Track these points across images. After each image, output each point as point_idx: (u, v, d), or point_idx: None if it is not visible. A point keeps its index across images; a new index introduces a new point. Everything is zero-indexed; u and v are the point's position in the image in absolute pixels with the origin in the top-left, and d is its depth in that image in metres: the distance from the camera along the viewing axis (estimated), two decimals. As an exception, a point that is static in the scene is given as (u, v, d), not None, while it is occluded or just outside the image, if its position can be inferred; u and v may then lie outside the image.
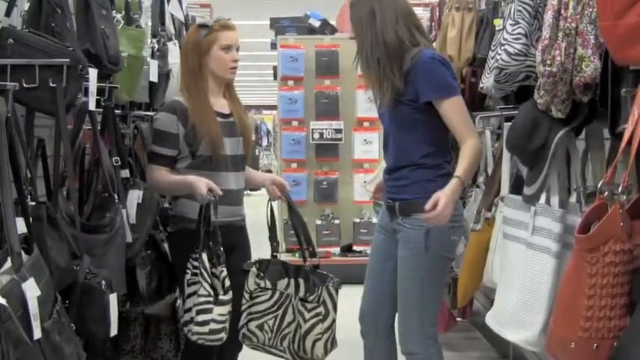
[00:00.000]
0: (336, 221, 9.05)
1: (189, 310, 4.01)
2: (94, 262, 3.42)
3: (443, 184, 3.81)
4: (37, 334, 2.55)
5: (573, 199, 3.55)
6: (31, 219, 2.97)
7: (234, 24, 4.32)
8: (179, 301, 4.59)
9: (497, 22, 4.13)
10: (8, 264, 2.58)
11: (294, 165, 9.13)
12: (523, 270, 3.60)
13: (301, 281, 4.21)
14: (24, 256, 2.66)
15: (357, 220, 9.04)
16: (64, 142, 3.46)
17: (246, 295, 4.24)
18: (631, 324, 2.62)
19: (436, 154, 3.90)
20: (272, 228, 4.46)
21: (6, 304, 2.37)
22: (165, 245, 4.38)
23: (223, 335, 3.98)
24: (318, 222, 9.00)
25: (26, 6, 3.57)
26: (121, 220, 3.83)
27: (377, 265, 4.14)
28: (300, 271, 4.25)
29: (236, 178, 4.30)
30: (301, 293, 4.18)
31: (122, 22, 4.33)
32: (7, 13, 3.63)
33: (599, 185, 2.73)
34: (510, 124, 3.83)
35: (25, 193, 2.99)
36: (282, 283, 4.23)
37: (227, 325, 3.98)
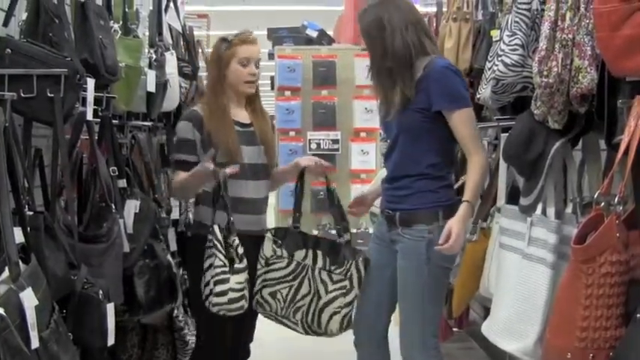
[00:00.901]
0: (333, 231, 9.03)
1: (207, 283, 4.00)
2: (92, 272, 3.42)
3: (444, 195, 3.83)
4: (35, 343, 2.54)
5: (570, 209, 3.55)
6: (28, 229, 2.97)
7: (255, 37, 4.35)
8: (176, 311, 4.59)
9: (495, 33, 4.13)
10: (6, 273, 2.58)
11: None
12: (519, 280, 3.60)
13: (319, 252, 4.21)
14: (22, 265, 2.66)
15: (354, 231, 9.00)
16: (61, 152, 3.47)
17: (262, 261, 4.22)
18: (627, 334, 2.62)
19: (441, 165, 3.90)
20: (299, 197, 4.47)
21: (4, 313, 2.37)
22: (168, 256, 4.38)
23: (243, 303, 4.01)
24: (315, 232, 8.99)
25: (24, 16, 3.58)
26: (119, 229, 3.83)
27: (373, 274, 4.12)
28: (319, 242, 4.28)
29: (255, 187, 4.30)
30: (319, 264, 4.18)
31: (120, 32, 4.34)
32: (5, 23, 3.64)
33: (595, 196, 2.74)
34: (507, 134, 3.83)
35: (23, 203, 2.99)
36: (299, 254, 4.22)
37: (246, 292, 4.02)
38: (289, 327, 4.27)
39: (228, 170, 4.01)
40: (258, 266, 4.22)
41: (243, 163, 4.21)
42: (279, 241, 4.23)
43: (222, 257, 3.97)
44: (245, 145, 4.26)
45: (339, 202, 4.42)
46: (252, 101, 4.41)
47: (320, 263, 4.19)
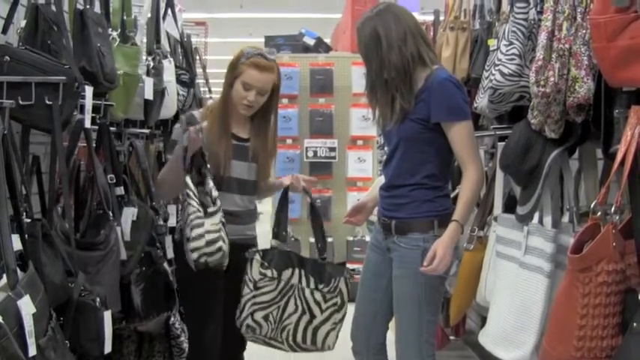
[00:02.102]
0: (330, 239, 9.02)
1: (188, 238, 4.00)
2: (89, 279, 3.42)
3: (440, 204, 3.83)
4: (33, 351, 2.54)
5: (566, 219, 3.56)
6: (26, 236, 2.97)
7: (271, 65, 4.23)
8: (173, 319, 4.59)
9: (492, 43, 4.14)
10: (4, 281, 2.58)
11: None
12: (515, 289, 3.61)
13: (304, 271, 4.22)
14: (19, 273, 2.66)
15: (351, 238, 9.03)
16: (59, 160, 3.46)
17: (250, 285, 4.18)
18: (623, 343, 2.63)
19: (438, 176, 3.89)
20: (282, 216, 4.44)
21: (2, 321, 2.37)
22: (165, 263, 4.38)
23: (221, 244, 3.99)
24: (312, 240, 8.99)
25: (23, 23, 3.58)
26: (116, 237, 3.83)
27: (369, 283, 4.13)
28: (305, 262, 4.27)
29: (241, 201, 4.32)
30: (304, 283, 4.20)
31: (118, 39, 4.34)
32: (4, 30, 3.65)
33: (592, 205, 2.74)
34: (504, 143, 3.84)
35: (21, 210, 2.99)
36: (286, 273, 4.21)
37: (222, 234, 4.01)
38: (275, 347, 4.29)
39: (191, 129, 4.05)
40: (247, 290, 4.18)
41: (230, 177, 4.23)
42: (267, 263, 4.21)
43: (196, 204, 3.98)
44: (236, 159, 4.25)
45: (321, 222, 4.48)
46: (263, 116, 4.35)
47: (304, 282, 4.21)
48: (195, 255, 3.96)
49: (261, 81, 4.19)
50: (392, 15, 3.86)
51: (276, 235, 4.38)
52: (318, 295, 4.19)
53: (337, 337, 4.23)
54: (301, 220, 8.98)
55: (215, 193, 4.04)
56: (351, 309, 4.21)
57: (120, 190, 4.19)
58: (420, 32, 3.90)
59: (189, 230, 3.98)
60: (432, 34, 5.79)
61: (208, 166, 4.10)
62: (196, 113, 4.34)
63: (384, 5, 3.92)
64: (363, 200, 4.49)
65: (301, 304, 4.19)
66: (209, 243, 3.96)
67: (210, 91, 8.25)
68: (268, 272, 4.18)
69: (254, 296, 4.18)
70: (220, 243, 3.98)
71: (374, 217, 4.34)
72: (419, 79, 3.82)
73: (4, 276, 2.58)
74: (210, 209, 4.01)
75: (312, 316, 4.19)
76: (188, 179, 4.02)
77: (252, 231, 4.45)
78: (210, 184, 4.05)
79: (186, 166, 4.06)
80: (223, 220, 4.05)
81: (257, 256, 4.20)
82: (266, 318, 4.18)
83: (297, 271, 4.22)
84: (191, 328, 4.40)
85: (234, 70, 4.21)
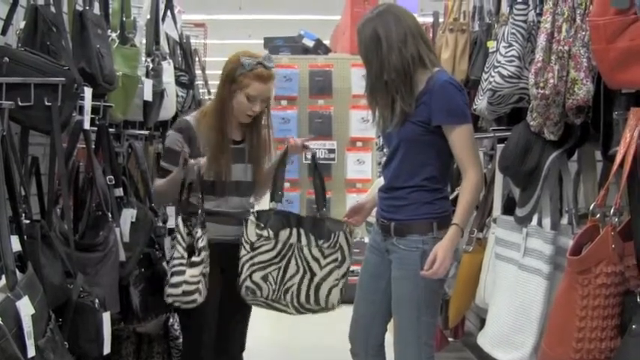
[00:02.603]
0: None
1: (167, 274, 4.08)
2: (88, 281, 3.42)
3: (439, 206, 3.82)
4: (32, 352, 2.55)
5: (565, 220, 3.56)
6: (25, 237, 2.98)
7: (272, 73, 4.24)
8: (172, 320, 4.59)
9: (491, 44, 4.14)
10: (3, 282, 2.58)
11: (287, 184, 9.09)
12: (514, 291, 3.61)
13: (302, 230, 4.22)
14: (18, 274, 2.67)
15: (350, 240, 9.03)
16: (58, 161, 3.46)
17: (247, 246, 4.17)
18: (622, 345, 2.63)
19: (438, 178, 3.88)
20: (278, 177, 4.38)
21: (1, 322, 2.38)
22: (164, 265, 4.39)
23: (197, 297, 4.02)
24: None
25: (22, 24, 3.58)
26: (115, 238, 3.83)
27: (368, 284, 4.12)
28: (302, 220, 4.28)
29: (239, 202, 4.32)
30: (304, 242, 4.19)
31: (117, 41, 4.35)
32: (3, 32, 3.65)
33: (591, 207, 2.75)
34: (503, 145, 3.84)
35: (20, 211, 2.99)
36: (284, 234, 4.20)
37: (200, 286, 4.02)
38: (280, 310, 4.27)
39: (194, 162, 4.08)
40: (243, 251, 4.16)
41: (229, 182, 4.25)
42: (263, 224, 4.19)
43: (182, 250, 4.03)
44: (234, 163, 4.26)
45: (322, 176, 4.48)
46: (255, 118, 4.34)
47: (304, 241, 4.20)
48: (169, 300, 4.04)
49: (266, 91, 4.22)
50: (392, 16, 3.84)
51: (272, 196, 4.35)
52: (316, 252, 4.19)
53: (341, 294, 4.21)
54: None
55: (202, 244, 4.05)
56: (349, 310, 4.20)
57: (119, 192, 4.19)
58: (420, 33, 3.87)
59: (169, 274, 4.04)
60: (431, 35, 5.79)
61: (199, 196, 4.13)
62: (190, 118, 4.32)
63: (385, 6, 3.90)
64: (362, 201, 4.49)
65: (302, 263, 4.18)
66: (185, 293, 4.01)
67: (209, 93, 8.27)
68: (264, 232, 4.17)
69: (251, 257, 4.17)
70: (196, 295, 4.02)
71: (372, 219, 4.33)
72: (420, 82, 3.81)
73: (3, 277, 2.59)
74: (194, 259, 4.03)
75: (313, 274, 4.19)
76: (180, 221, 4.06)
77: None
78: (199, 232, 4.05)
79: (182, 196, 4.13)
80: (205, 270, 4.06)
81: (252, 217, 4.19)
82: (265, 279, 4.17)
83: (294, 230, 4.21)
84: (186, 336, 4.40)
85: (233, 82, 4.19)
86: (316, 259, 4.18)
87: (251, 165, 4.35)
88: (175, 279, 4.00)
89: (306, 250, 4.19)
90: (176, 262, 4.02)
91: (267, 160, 4.43)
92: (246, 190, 4.35)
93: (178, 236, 4.04)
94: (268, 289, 4.17)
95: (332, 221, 4.29)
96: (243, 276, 4.16)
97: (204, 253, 4.04)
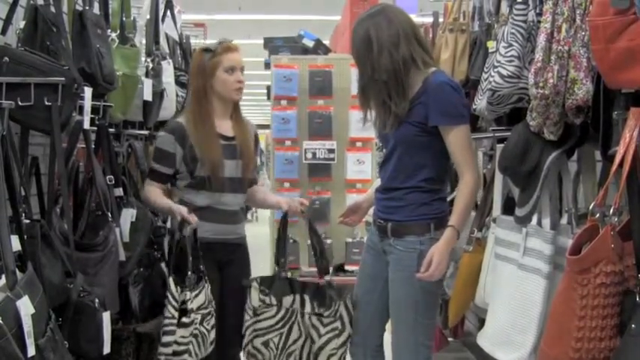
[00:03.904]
0: (329, 241, 9.02)
1: (159, 341, 4.07)
2: (88, 280, 3.43)
3: (436, 207, 3.83)
4: (32, 351, 2.55)
5: (565, 220, 3.56)
6: (25, 237, 2.98)
7: (237, 45, 4.38)
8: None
9: (491, 44, 4.13)
10: (3, 281, 2.58)
11: (286, 184, 9.10)
12: (514, 291, 3.61)
13: (306, 296, 4.22)
14: (18, 273, 2.67)
15: (350, 240, 9.01)
16: (58, 161, 3.47)
17: (250, 312, 4.23)
18: (621, 345, 2.63)
19: (436, 179, 3.89)
20: (281, 244, 4.46)
21: (1, 321, 2.38)
22: (163, 265, 4.40)
23: (186, 357, 4.03)
24: (309, 242, 8.97)
25: (22, 24, 3.58)
26: (115, 238, 3.83)
27: (366, 284, 4.13)
28: (306, 287, 4.28)
29: (233, 199, 4.35)
30: (308, 309, 4.20)
31: (117, 41, 4.35)
32: (3, 31, 3.65)
33: (590, 207, 2.74)
34: (503, 145, 3.84)
35: (20, 211, 2.99)
36: (287, 300, 4.23)
37: (191, 347, 4.03)
38: None
39: (192, 220, 4.10)
40: (247, 317, 4.24)
41: (223, 177, 4.27)
42: (267, 290, 4.24)
43: (173, 310, 4.02)
44: (226, 158, 4.29)
45: (320, 239, 4.48)
46: (235, 109, 4.44)
47: (308, 308, 4.21)
48: (162, 358, 4.04)
49: (239, 59, 4.36)
50: (385, 17, 3.83)
51: (277, 261, 4.41)
52: (314, 319, 4.19)
53: None
54: (300, 222, 8.97)
55: (192, 305, 4.06)
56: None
57: (119, 192, 4.20)
58: (415, 34, 3.86)
59: (161, 333, 4.04)
60: (430, 35, 5.79)
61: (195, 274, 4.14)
62: (181, 119, 4.38)
63: (379, 7, 3.89)
64: (358, 201, 4.49)
65: (303, 329, 4.20)
66: (176, 353, 4.02)
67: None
68: (267, 299, 4.22)
69: (253, 323, 4.25)
70: (185, 356, 4.03)
71: (370, 218, 4.34)
72: (414, 83, 3.80)
73: (3, 276, 2.59)
74: (184, 319, 4.03)
75: (312, 342, 4.19)
76: (171, 281, 4.05)
77: (242, 230, 4.49)
78: (188, 295, 4.06)
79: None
80: (196, 330, 4.07)
81: (254, 284, 4.24)
82: (266, 344, 4.21)
83: (298, 297, 4.24)
84: None
85: (205, 68, 4.30)
86: (315, 328, 4.19)
87: (241, 161, 4.38)
88: (166, 339, 4.01)
89: (306, 317, 4.21)
90: (167, 321, 4.03)
91: (255, 159, 4.53)
92: (240, 186, 4.39)
93: (169, 296, 4.03)
94: (269, 354, 4.22)
95: (334, 290, 4.27)
96: (245, 340, 4.25)
97: (193, 316, 4.05)
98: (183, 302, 4.03)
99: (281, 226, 4.47)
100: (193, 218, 4.08)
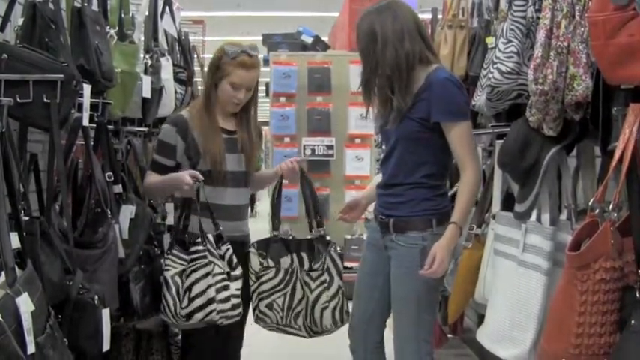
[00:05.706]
0: (328, 237, 9.03)
1: (203, 292, 4.00)
2: (87, 277, 3.42)
3: (438, 203, 3.83)
4: (31, 348, 2.55)
5: (564, 216, 3.55)
6: (24, 234, 2.98)
7: (256, 62, 4.29)
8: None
9: (490, 41, 4.13)
10: (2, 279, 2.59)
11: (285, 181, 9.12)
12: (514, 287, 3.61)
13: (303, 254, 4.26)
14: (18, 270, 2.67)
15: (349, 237, 9.03)
16: (57, 158, 3.46)
17: (253, 277, 4.25)
18: (621, 340, 2.64)
19: (437, 175, 3.88)
20: (276, 205, 4.46)
21: (0, 318, 2.38)
22: (161, 260, 4.39)
23: (241, 310, 4.10)
24: (309, 236, 8.96)
25: (20, 21, 3.58)
26: (114, 235, 3.83)
27: (366, 280, 4.12)
28: (301, 244, 4.32)
29: (236, 194, 4.32)
30: (306, 265, 4.24)
31: (116, 37, 4.35)
32: (1, 28, 3.65)
33: (590, 203, 2.75)
34: (502, 141, 3.84)
35: (19, 208, 2.99)
36: (285, 260, 4.25)
37: (240, 300, 4.09)
38: (293, 334, 4.32)
39: (200, 177, 4.10)
40: (251, 282, 4.26)
41: (224, 171, 4.24)
42: (264, 253, 4.26)
43: (222, 265, 4.05)
44: (228, 152, 4.27)
45: (314, 191, 4.50)
46: (244, 109, 4.39)
47: (306, 265, 4.24)
48: (217, 316, 4.02)
49: (249, 79, 4.25)
50: (391, 12, 3.83)
51: (272, 224, 4.41)
52: (304, 275, 4.23)
53: (335, 317, 4.20)
54: (299, 219, 8.97)
55: (235, 259, 4.12)
56: (350, 307, 4.20)
57: (118, 188, 4.19)
58: (419, 30, 3.86)
59: (214, 290, 4.01)
60: (430, 32, 5.79)
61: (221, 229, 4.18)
62: (184, 112, 4.35)
63: (386, 2, 3.89)
64: (357, 197, 4.49)
65: (303, 288, 4.22)
66: (234, 307, 4.08)
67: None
68: (264, 262, 4.25)
69: (258, 286, 4.26)
70: (240, 308, 4.10)
71: (372, 215, 4.33)
72: (417, 78, 3.80)
73: (3, 274, 2.59)
74: (234, 273, 4.11)
75: (307, 298, 4.21)
76: (211, 238, 4.08)
77: (246, 227, 4.48)
78: (230, 249, 4.13)
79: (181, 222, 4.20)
80: (241, 284, 4.14)
81: (252, 249, 4.26)
82: (270, 306, 4.23)
83: (295, 256, 4.27)
84: (185, 333, 4.41)
85: (217, 70, 4.25)
86: (306, 283, 4.21)
87: (243, 155, 4.36)
88: (223, 294, 4.01)
89: (302, 275, 4.24)
90: (219, 277, 4.02)
91: (258, 154, 4.49)
92: (243, 180, 4.37)
93: (215, 252, 4.05)
94: (276, 316, 4.24)
95: (321, 242, 4.32)
96: (252, 305, 4.28)
97: (240, 267, 4.12)
98: (222, 257, 4.08)
99: (276, 187, 4.47)
100: (199, 176, 4.09)
